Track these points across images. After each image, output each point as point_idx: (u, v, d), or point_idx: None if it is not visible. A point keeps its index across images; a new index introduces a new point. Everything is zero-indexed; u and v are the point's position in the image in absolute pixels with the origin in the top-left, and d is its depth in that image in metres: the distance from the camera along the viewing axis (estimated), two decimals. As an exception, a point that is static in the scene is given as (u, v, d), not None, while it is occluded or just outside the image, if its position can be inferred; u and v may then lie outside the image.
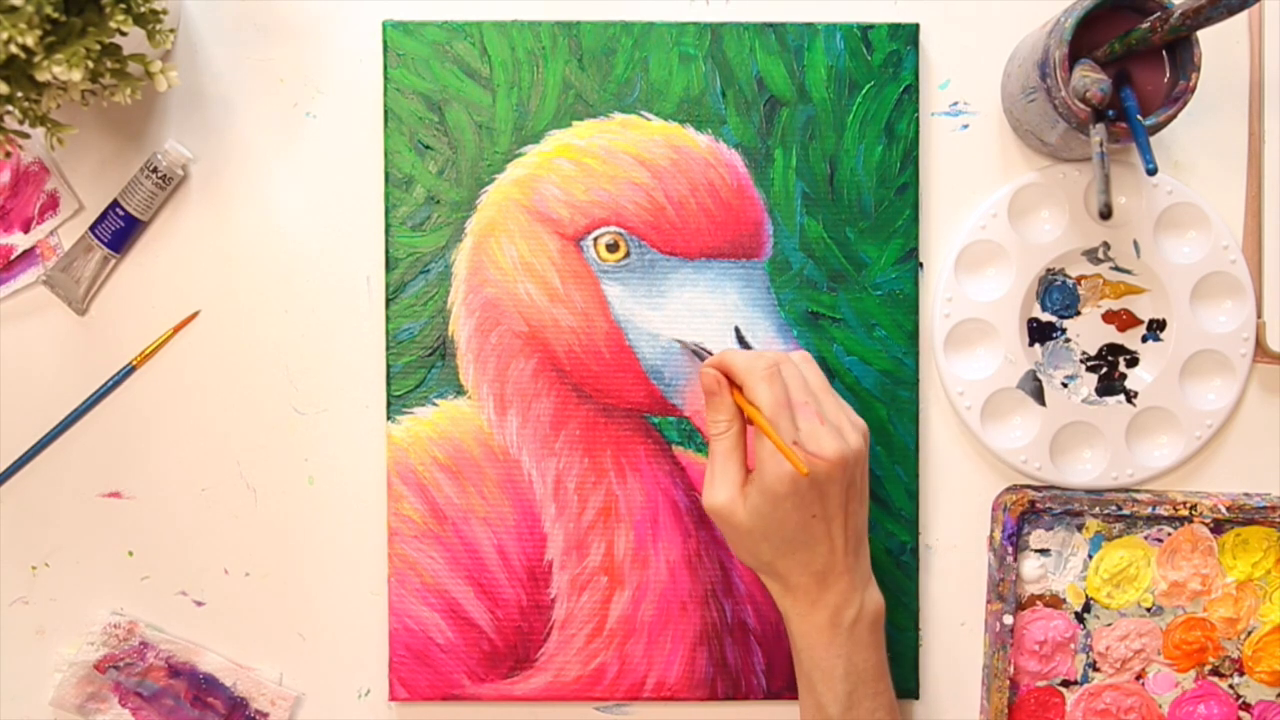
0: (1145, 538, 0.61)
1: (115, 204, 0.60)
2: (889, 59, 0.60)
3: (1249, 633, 0.61)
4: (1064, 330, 0.62)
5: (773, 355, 0.53)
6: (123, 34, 0.51)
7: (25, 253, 0.61)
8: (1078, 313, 0.62)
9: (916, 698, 0.62)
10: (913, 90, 0.61)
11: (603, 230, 0.60)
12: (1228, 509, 0.60)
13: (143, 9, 0.52)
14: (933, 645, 0.62)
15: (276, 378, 0.62)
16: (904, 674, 0.61)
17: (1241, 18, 0.61)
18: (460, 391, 0.60)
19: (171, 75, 0.54)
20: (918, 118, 0.61)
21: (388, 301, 0.61)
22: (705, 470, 0.54)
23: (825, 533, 0.52)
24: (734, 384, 0.54)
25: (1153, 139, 0.54)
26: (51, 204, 0.61)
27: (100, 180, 0.61)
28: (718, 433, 0.53)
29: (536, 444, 0.60)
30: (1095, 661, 0.61)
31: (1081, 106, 0.53)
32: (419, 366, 0.60)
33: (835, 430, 0.51)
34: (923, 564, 0.62)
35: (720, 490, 0.52)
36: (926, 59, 0.62)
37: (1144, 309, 0.62)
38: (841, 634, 0.53)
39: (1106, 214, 0.51)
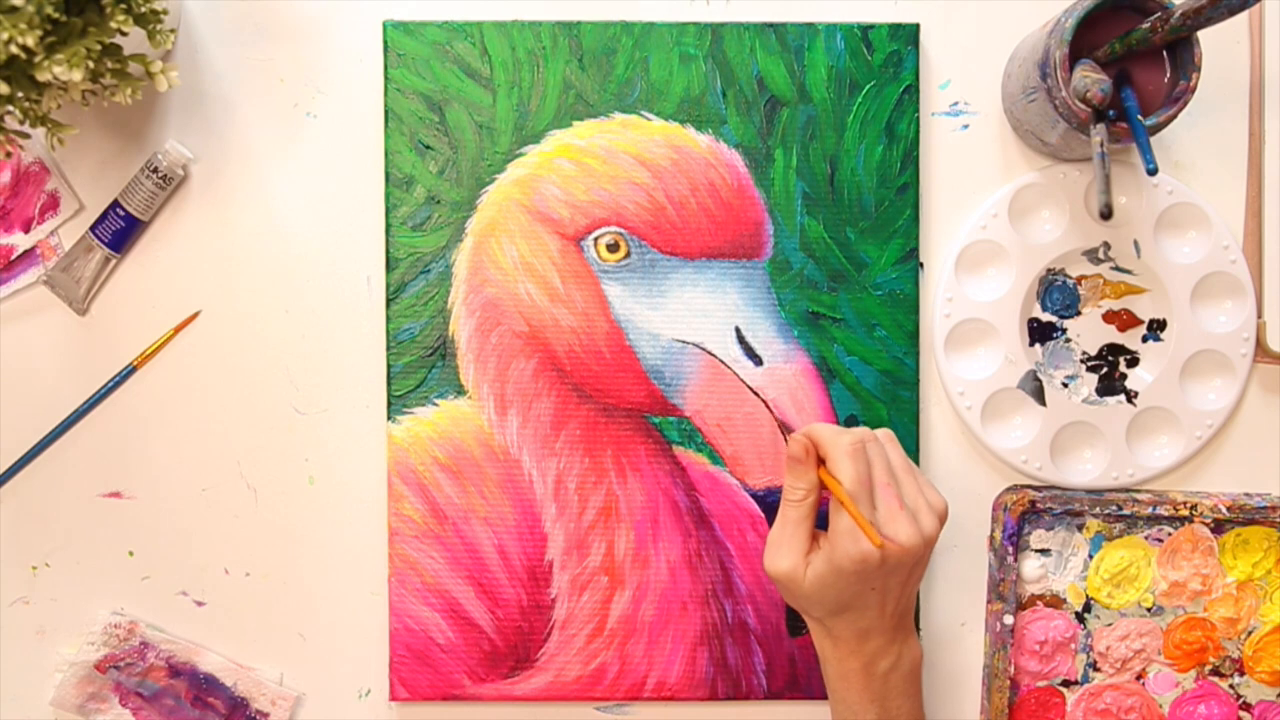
0: (1146, 538, 0.61)
1: (116, 204, 0.60)
2: (889, 59, 0.60)
3: (1249, 633, 0.61)
4: (1064, 330, 0.62)
5: (859, 432, 0.54)
6: (123, 34, 0.51)
7: (25, 253, 0.61)
8: (1078, 313, 0.62)
9: (917, 698, 0.62)
10: (913, 90, 0.61)
11: (603, 230, 0.60)
12: (1228, 509, 0.60)
13: (143, 9, 0.52)
14: (933, 645, 0.62)
15: (277, 378, 0.62)
16: (904, 674, 0.61)
17: (1241, 18, 0.61)
18: (461, 391, 0.60)
19: (172, 75, 0.54)
20: (918, 118, 0.61)
21: (388, 301, 0.61)
22: (772, 532, 0.54)
23: (879, 602, 0.53)
24: (819, 457, 0.54)
25: (1153, 139, 0.54)
26: (52, 204, 0.61)
27: (101, 180, 0.61)
28: (793, 499, 0.54)
29: (537, 444, 0.60)
30: (1096, 661, 0.61)
31: (1082, 106, 0.53)
32: (419, 366, 0.60)
33: (911, 516, 0.52)
34: (923, 564, 0.62)
35: (785, 558, 0.53)
36: (927, 59, 0.62)
37: (1144, 309, 0.62)
38: (876, 681, 0.54)
39: (1107, 214, 0.51)
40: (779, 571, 0.53)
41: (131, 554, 0.62)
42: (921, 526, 0.52)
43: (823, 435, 0.54)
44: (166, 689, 0.61)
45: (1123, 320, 0.62)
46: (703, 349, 0.60)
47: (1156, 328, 0.62)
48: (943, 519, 0.54)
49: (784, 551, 0.53)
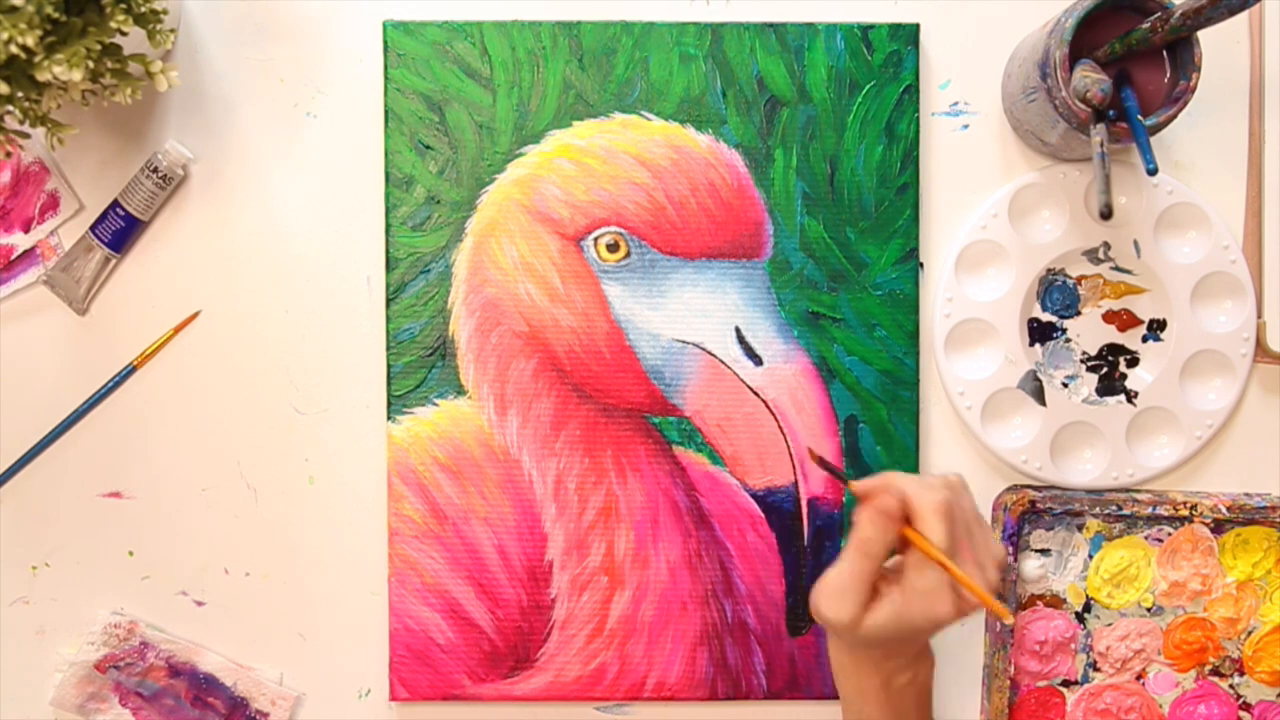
0: (1145, 538, 0.61)
1: (116, 204, 0.60)
2: (889, 59, 0.60)
3: (1249, 633, 0.61)
4: (1064, 330, 0.62)
5: (943, 488, 0.50)
6: (123, 34, 0.51)
7: (25, 253, 0.61)
8: (1078, 313, 0.62)
9: (917, 698, 0.62)
10: (913, 90, 0.61)
11: (603, 230, 0.60)
12: (1228, 509, 0.60)
13: (143, 9, 0.52)
14: (933, 645, 0.62)
15: (277, 378, 0.62)
16: (904, 674, 0.61)
17: (1241, 18, 0.61)
18: (460, 391, 0.60)
19: (172, 75, 0.54)
20: (918, 118, 0.61)
21: (388, 301, 0.61)
22: (831, 575, 0.50)
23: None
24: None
25: (1153, 139, 0.54)
26: (52, 204, 0.61)
27: (100, 180, 0.61)
28: (868, 552, 0.50)
29: (537, 444, 0.60)
30: (1096, 661, 0.61)
31: (1082, 107, 0.53)
32: (419, 366, 0.60)
33: (980, 569, 0.50)
34: (923, 564, 0.62)
35: (846, 609, 0.50)
36: (927, 59, 0.62)
37: (1144, 309, 0.62)
38: (894, 696, 0.53)
39: (1107, 214, 0.51)
40: (836, 620, 0.50)
41: (131, 554, 0.62)
42: (988, 578, 0.50)
43: (907, 490, 0.50)
44: (166, 689, 0.61)
45: (1123, 320, 0.62)
46: (703, 349, 0.60)
47: (1156, 328, 0.62)
48: (1002, 570, 0.51)
49: (846, 601, 0.50)
